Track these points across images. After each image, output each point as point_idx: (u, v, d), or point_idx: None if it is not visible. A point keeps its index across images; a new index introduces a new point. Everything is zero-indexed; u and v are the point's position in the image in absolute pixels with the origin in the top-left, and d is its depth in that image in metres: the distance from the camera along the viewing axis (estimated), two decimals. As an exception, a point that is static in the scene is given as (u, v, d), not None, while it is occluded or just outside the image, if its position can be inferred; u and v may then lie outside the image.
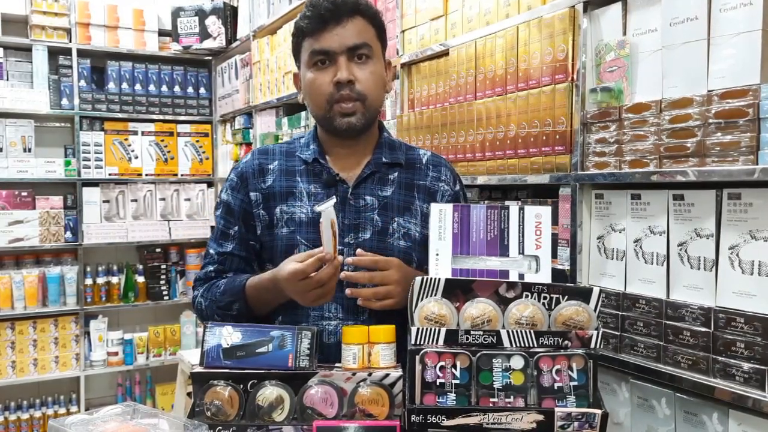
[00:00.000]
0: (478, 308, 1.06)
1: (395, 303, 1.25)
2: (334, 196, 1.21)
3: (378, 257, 1.28)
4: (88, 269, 4.14)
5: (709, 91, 1.33)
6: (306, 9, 1.33)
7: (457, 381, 1.02)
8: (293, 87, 3.15)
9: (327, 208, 1.13)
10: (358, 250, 1.30)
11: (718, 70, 1.33)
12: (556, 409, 1.00)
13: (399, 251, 1.34)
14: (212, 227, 1.49)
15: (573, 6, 1.65)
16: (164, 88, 4.35)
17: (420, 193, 1.40)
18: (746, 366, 1.25)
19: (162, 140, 4.37)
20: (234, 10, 4.12)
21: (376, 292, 1.25)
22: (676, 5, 1.40)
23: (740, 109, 1.25)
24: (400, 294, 1.24)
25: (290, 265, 1.19)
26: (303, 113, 3.14)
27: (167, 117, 4.38)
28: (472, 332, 1.05)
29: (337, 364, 1.13)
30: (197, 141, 4.49)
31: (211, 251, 1.44)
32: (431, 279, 1.08)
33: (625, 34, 1.56)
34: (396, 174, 1.40)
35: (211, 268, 1.43)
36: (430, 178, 1.42)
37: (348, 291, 1.26)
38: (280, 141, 3.29)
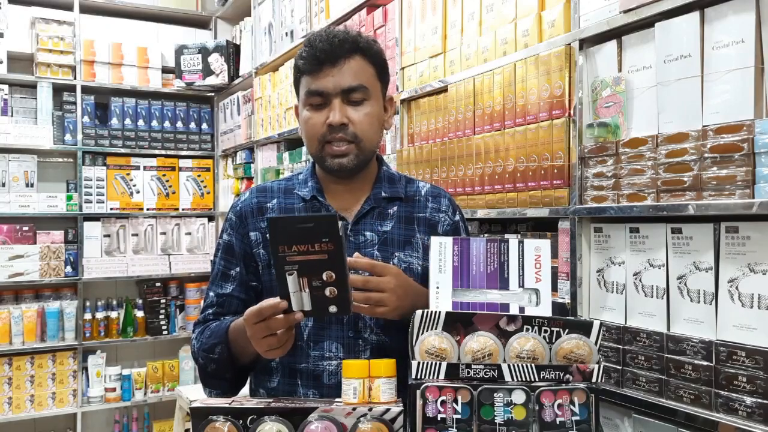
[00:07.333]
0: (479, 342, 1.06)
1: (387, 312, 1.18)
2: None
3: (375, 262, 1.21)
4: (88, 304, 4.13)
5: (704, 126, 1.35)
6: (304, 46, 1.32)
7: (459, 416, 1.02)
8: (294, 122, 3.20)
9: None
10: (356, 254, 1.22)
11: (712, 105, 1.35)
12: (559, 445, 0.99)
13: None
14: (212, 261, 1.46)
15: (569, 44, 1.68)
16: (167, 124, 4.40)
17: (420, 225, 1.39)
18: (749, 400, 1.24)
19: (164, 175, 4.40)
20: (237, 48, 4.20)
21: (368, 296, 1.16)
22: (670, 43, 1.43)
23: (735, 143, 1.27)
24: (394, 303, 1.17)
25: (253, 306, 1.14)
26: (303, 148, 3.18)
27: (169, 152, 4.42)
28: (473, 366, 1.04)
29: (337, 399, 1.12)
30: (199, 176, 4.52)
31: (211, 293, 1.41)
32: (431, 312, 1.08)
33: (620, 70, 1.59)
34: (396, 208, 1.39)
35: (209, 311, 1.39)
36: (429, 210, 1.41)
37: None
38: (281, 175, 3.32)
